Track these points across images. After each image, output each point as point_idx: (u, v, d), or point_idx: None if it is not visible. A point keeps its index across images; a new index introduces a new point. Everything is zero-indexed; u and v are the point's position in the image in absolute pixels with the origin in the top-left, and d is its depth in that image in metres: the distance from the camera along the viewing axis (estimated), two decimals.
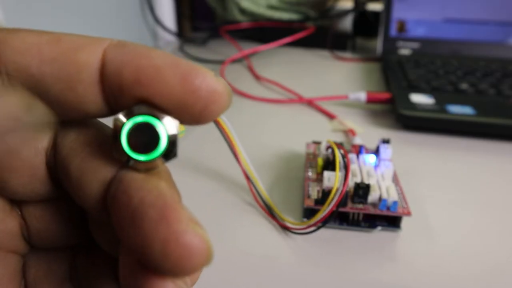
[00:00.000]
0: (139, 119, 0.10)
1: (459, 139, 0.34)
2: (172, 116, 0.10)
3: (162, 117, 0.10)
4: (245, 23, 0.61)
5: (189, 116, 0.10)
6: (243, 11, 0.61)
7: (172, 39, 0.65)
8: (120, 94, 0.10)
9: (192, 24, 0.71)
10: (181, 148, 0.31)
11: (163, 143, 0.10)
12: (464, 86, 0.39)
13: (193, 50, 0.58)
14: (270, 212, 0.24)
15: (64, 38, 0.10)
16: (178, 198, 0.10)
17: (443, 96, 0.37)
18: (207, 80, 0.10)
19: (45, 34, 0.10)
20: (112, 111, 0.11)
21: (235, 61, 0.53)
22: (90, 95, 0.10)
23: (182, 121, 0.10)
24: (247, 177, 0.24)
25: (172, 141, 0.10)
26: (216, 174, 0.28)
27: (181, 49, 0.58)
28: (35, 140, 0.11)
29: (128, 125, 0.10)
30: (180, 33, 0.67)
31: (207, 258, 0.09)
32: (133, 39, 0.57)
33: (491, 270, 0.20)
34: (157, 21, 0.60)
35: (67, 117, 0.11)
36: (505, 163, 0.30)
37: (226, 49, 0.59)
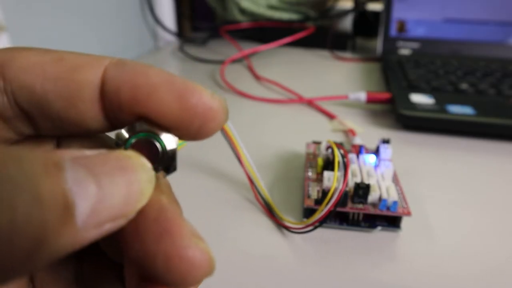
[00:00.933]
0: (141, 135, 0.10)
1: (459, 139, 0.34)
2: (171, 132, 0.11)
3: (162, 134, 0.11)
4: (245, 23, 0.61)
5: (187, 133, 0.11)
6: (243, 11, 0.61)
7: (172, 39, 0.65)
8: (120, 111, 0.10)
9: (192, 24, 0.71)
10: (183, 148, 0.31)
11: (163, 158, 0.11)
12: (464, 86, 0.39)
13: (193, 50, 0.58)
14: (270, 211, 0.24)
15: (67, 57, 0.10)
16: (180, 212, 0.10)
17: (443, 96, 0.37)
18: (203, 98, 0.10)
19: (48, 53, 0.10)
20: (113, 127, 0.11)
21: (235, 61, 0.53)
22: (91, 112, 0.10)
23: (180, 137, 0.11)
24: (250, 180, 0.24)
25: (172, 155, 0.11)
26: (217, 174, 0.28)
27: (181, 49, 0.58)
28: (38, 148, 0.11)
29: (130, 141, 0.11)
30: (180, 33, 0.67)
31: (209, 270, 0.10)
32: (133, 39, 0.57)
33: (491, 270, 0.20)
34: (157, 21, 0.60)
35: (69, 132, 0.11)
36: (505, 163, 0.30)
37: (226, 49, 0.59)
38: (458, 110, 0.34)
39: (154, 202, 0.10)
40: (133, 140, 0.11)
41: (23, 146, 0.11)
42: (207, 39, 0.63)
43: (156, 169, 0.11)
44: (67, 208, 0.07)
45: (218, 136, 0.23)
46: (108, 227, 0.08)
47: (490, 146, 0.33)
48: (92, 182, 0.08)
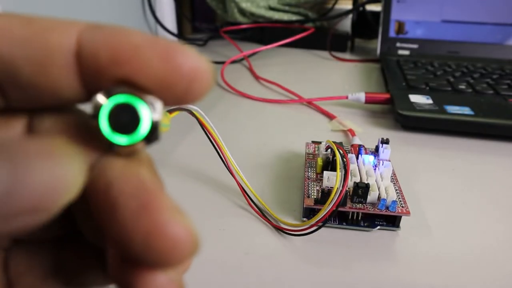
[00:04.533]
0: (120, 98, 0.09)
1: (457, 139, 0.34)
2: (155, 95, 0.10)
3: (144, 97, 0.09)
4: (245, 24, 0.62)
5: (172, 95, 0.10)
6: (243, 12, 0.61)
7: (172, 40, 0.65)
8: (98, 76, 0.09)
9: (193, 25, 0.72)
10: (176, 152, 0.32)
11: (145, 125, 0.10)
12: (462, 86, 0.39)
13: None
14: (266, 216, 0.24)
15: (37, 20, 0.09)
16: (161, 186, 0.10)
17: (441, 96, 0.38)
18: (189, 57, 0.09)
19: (16, 16, 0.10)
20: (90, 97, 0.10)
21: (235, 61, 0.53)
22: (65, 79, 0.10)
23: (165, 101, 0.10)
24: (240, 185, 0.24)
25: (155, 122, 0.10)
26: (213, 177, 0.28)
27: None
28: (8, 125, 0.10)
29: (107, 105, 0.09)
30: (181, 34, 0.67)
31: (193, 248, 0.09)
32: None
33: (491, 270, 0.21)
34: (158, 22, 0.60)
35: (42, 104, 0.10)
36: (503, 163, 0.31)
37: (226, 49, 0.59)
38: (456, 110, 0.35)
39: (132, 175, 0.09)
40: (110, 104, 0.09)
41: None
42: (207, 40, 0.63)
43: (138, 138, 0.10)
44: None
45: (209, 145, 0.24)
46: (23, 220, 0.07)
47: (488, 146, 0.33)
48: (5, 166, 0.07)
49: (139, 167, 0.10)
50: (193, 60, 0.09)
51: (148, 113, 0.09)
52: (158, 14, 0.61)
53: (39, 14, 0.10)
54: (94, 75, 0.09)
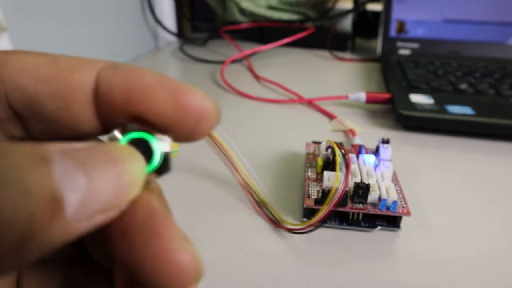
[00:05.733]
0: (134, 135, 0.10)
1: (458, 139, 0.34)
2: (164, 133, 0.11)
3: (155, 133, 0.10)
4: (245, 23, 0.61)
5: (181, 132, 0.11)
6: (243, 11, 0.61)
7: (172, 39, 0.65)
8: (114, 113, 0.10)
9: (192, 24, 0.71)
10: (181, 153, 0.31)
11: (157, 158, 0.11)
12: (463, 86, 0.39)
13: (193, 50, 0.58)
14: (269, 214, 0.24)
15: (61, 60, 0.10)
16: (170, 215, 0.10)
17: (442, 96, 0.37)
18: (196, 98, 0.10)
19: (42, 55, 0.10)
20: (106, 130, 0.11)
21: (235, 61, 0.53)
22: (84, 114, 0.11)
23: (174, 138, 0.11)
24: (247, 185, 0.24)
25: (166, 155, 0.11)
26: (215, 177, 0.28)
27: (181, 50, 0.58)
28: None
29: (123, 140, 0.10)
30: (180, 34, 0.67)
31: (197, 275, 0.09)
32: (133, 39, 0.57)
33: (491, 270, 0.20)
34: (158, 21, 0.60)
35: (62, 136, 0.11)
36: (504, 163, 0.30)
37: (226, 49, 0.59)
38: (458, 110, 0.34)
39: (144, 203, 0.10)
40: (125, 140, 0.10)
41: (10, 141, 0.11)
42: (207, 40, 0.63)
43: (150, 169, 0.11)
44: (55, 201, 0.07)
45: (208, 144, 0.23)
46: (100, 218, 0.08)
47: (490, 146, 0.33)
48: (81, 174, 0.08)
49: (150, 196, 0.10)
50: (200, 100, 0.10)
51: (159, 147, 0.11)
52: (158, 14, 0.60)
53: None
54: (110, 112, 0.10)
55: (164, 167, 0.11)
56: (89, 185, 0.08)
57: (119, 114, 0.10)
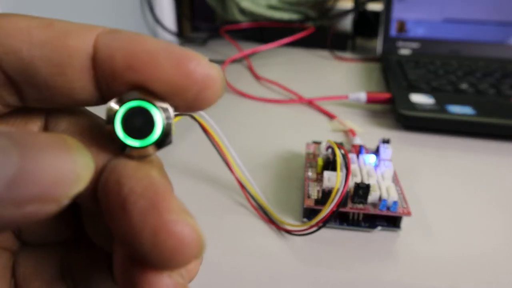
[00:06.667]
0: (132, 103, 0.10)
1: (459, 139, 0.34)
2: (166, 101, 0.10)
3: (156, 102, 0.10)
4: (245, 23, 0.61)
5: (184, 101, 0.10)
6: (243, 11, 0.61)
7: (172, 39, 0.65)
8: (113, 80, 0.10)
9: (192, 24, 0.71)
10: (178, 153, 0.31)
11: (158, 128, 0.10)
12: (464, 86, 0.39)
13: (193, 50, 0.58)
14: (267, 216, 0.24)
15: (56, 23, 0.10)
16: (170, 188, 0.10)
17: (443, 96, 0.37)
18: (201, 64, 0.10)
19: (36, 18, 0.10)
20: (104, 100, 0.11)
21: (235, 61, 0.53)
22: (81, 81, 0.10)
23: (176, 108, 0.10)
24: (242, 185, 0.24)
25: (167, 126, 0.10)
26: (215, 178, 0.28)
27: None
28: (24, 126, 0.11)
29: (121, 110, 0.10)
30: (180, 33, 0.67)
31: (199, 249, 0.09)
32: None
33: (491, 270, 0.20)
34: (157, 21, 0.60)
35: (57, 104, 0.11)
36: (505, 163, 0.30)
37: (226, 49, 0.59)
38: (458, 110, 0.34)
39: (143, 175, 0.10)
40: (124, 110, 0.10)
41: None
42: (207, 39, 0.63)
43: (150, 141, 0.10)
44: None
45: (209, 144, 0.23)
46: (32, 209, 0.07)
47: (490, 146, 0.33)
48: (14, 151, 0.07)
49: (150, 168, 0.10)
50: (205, 67, 0.10)
51: (161, 117, 0.10)
52: (158, 13, 0.60)
53: (41, 13, 0.10)
54: (109, 79, 0.10)
55: (164, 138, 0.10)
56: (22, 164, 0.07)
57: (118, 82, 0.10)
